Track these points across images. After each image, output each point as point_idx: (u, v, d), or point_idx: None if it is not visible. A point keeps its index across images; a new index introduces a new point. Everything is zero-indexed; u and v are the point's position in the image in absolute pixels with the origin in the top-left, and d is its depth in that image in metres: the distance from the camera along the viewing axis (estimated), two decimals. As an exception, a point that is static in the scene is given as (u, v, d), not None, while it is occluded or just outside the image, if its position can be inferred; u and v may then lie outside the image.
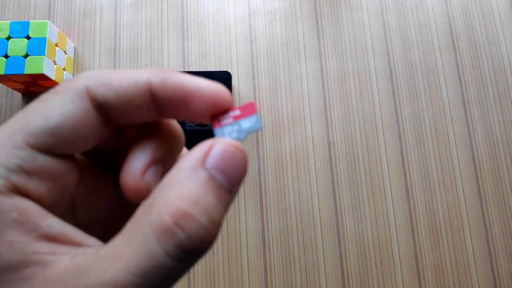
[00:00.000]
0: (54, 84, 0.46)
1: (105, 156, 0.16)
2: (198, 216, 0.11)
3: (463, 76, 0.51)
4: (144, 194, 0.13)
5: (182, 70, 0.51)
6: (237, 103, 0.49)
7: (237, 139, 0.14)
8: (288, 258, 0.45)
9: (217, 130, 0.14)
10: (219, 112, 0.14)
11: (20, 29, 0.44)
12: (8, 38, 0.44)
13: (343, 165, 0.48)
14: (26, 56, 0.43)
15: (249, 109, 0.14)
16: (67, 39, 0.50)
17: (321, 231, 0.46)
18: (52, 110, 0.12)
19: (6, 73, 0.43)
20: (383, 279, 0.45)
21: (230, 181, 0.12)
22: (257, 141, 0.49)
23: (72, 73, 0.50)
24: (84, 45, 0.51)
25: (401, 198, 0.47)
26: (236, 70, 0.51)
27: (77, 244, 0.12)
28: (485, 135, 0.49)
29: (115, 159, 0.16)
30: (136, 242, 0.11)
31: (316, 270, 0.45)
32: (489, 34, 0.53)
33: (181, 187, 0.12)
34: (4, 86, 0.49)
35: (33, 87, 0.47)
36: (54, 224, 0.12)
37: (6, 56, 0.43)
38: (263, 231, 0.46)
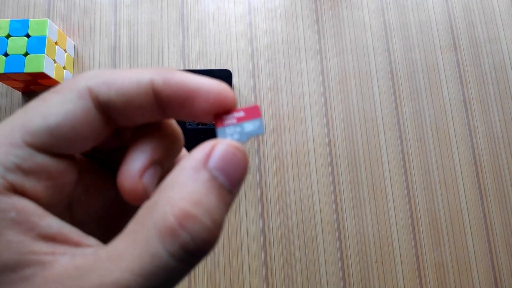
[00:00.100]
0: (54, 83, 0.46)
1: (103, 155, 0.16)
2: (201, 217, 0.11)
3: (464, 74, 0.51)
4: (141, 196, 0.13)
5: (182, 68, 0.50)
6: (237, 102, 0.49)
7: (239, 141, 0.14)
8: (289, 257, 0.45)
9: (219, 129, 0.14)
10: (222, 111, 0.14)
11: (20, 27, 0.44)
12: (8, 36, 0.44)
13: (343, 164, 0.48)
14: (26, 54, 0.43)
15: (254, 113, 0.14)
16: (67, 37, 0.49)
17: (322, 230, 0.46)
18: (52, 109, 0.12)
19: (6, 71, 0.42)
20: (384, 277, 0.45)
21: (231, 182, 0.12)
22: (258, 140, 0.49)
23: (72, 72, 0.50)
24: (84, 43, 0.51)
25: (402, 197, 0.47)
26: (237, 68, 0.51)
27: (76, 244, 0.12)
28: (486, 133, 0.49)
29: (112, 158, 0.16)
30: (140, 242, 0.11)
31: (317, 269, 0.45)
32: (490, 32, 0.53)
33: (184, 188, 0.12)
34: (4, 84, 0.49)
35: (33, 85, 0.47)
36: (53, 223, 0.11)
37: (6, 55, 0.43)
38: (263, 230, 0.46)
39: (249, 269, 0.45)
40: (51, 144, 0.12)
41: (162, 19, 0.52)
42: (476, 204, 0.47)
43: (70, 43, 0.50)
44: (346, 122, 0.49)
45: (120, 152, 0.16)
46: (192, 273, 0.45)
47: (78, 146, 0.13)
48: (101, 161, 0.16)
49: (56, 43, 0.46)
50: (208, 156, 0.12)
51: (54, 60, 0.45)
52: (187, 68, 0.50)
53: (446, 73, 0.51)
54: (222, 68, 0.51)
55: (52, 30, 0.45)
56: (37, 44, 0.44)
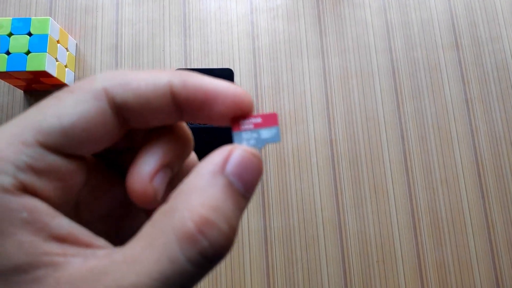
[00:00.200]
0: (56, 81, 0.46)
1: (111, 155, 0.16)
2: (219, 223, 0.11)
3: (466, 73, 0.51)
4: (151, 199, 0.13)
5: (184, 67, 0.50)
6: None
7: (254, 147, 0.14)
8: (290, 256, 0.45)
9: (236, 134, 0.14)
10: (239, 115, 0.14)
11: (22, 26, 0.44)
12: (10, 34, 0.44)
13: (345, 163, 0.48)
14: (27, 53, 0.43)
15: (271, 120, 0.14)
16: (69, 36, 0.49)
17: (323, 229, 0.46)
18: (66, 109, 0.12)
19: (8, 70, 0.42)
20: (385, 277, 0.45)
21: (246, 187, 0.12)
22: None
23: (73, 70, 0.50)
24: (85, 42, 0.51)
25: (403, 196, 0.47)
26: (238, 67, 0.51)
27: (86, 245, 0.11)
28: (488, 133, 0.49)
29: (120, 158, 0.16)
30: (158, 247, 0.11)
31: (319, 269, 0.45)
32: (492, 31, 0.52)
33: (203, 193, 0.12)
34: (6, 83, 0.49)
35: (35, 84, 0.47)
36: (63, 224, 0.11)
37: (8, 53, 0.43)
38: (265, 230, 0.46)
39: (250, 268, 0.45)
40: (64, 145, 0.12)
41: (164, 17, 0.52)
42: (478, 203, 0.47)
43: (72, 41, 0.50)
44: (347, 121, 0.49)
45: (127, 152, 0.16)
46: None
47: (90, 147, 0.13)
48: (108, 160, 0.16)
49: (58, 41, 0.46)
50: (225, 161, 0.12)
51: (56, 58, 0.45)
52: (188, 67, 0.50)
53: (448, 72, 0.51)
54: (224, 67, 0.51)
55: (54, 29, 0.45)
56: (39, 43, 0.44)
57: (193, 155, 0.17)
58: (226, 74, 0.48)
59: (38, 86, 0.48)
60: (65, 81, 0.48)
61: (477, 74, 0.51)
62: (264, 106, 0.49)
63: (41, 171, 0.11)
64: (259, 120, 0.14)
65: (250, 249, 0.45)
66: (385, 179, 0.48)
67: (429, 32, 0.52)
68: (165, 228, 0.11)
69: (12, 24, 0.44)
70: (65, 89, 0.12)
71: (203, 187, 0.12)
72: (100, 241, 0.12)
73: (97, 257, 0.11)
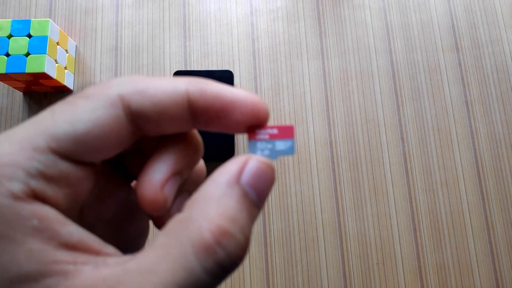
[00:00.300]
0: (56, 83, 0.46)
1: (117, 158, 0.16)
2: (236, 234, 0.11)
3: (465, 75, 0.51)
4: (161, 206, 0.13)
5: (184, 69, 0.50)
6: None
7: (268, 158, 0.14)
8: (290, 258, 0.45)
9: (251, 143, 0.14)
10: (255, 124, 0.14)
11: (21, 28, 0.44)
12: (9, 36, 0.44)
13: (345, 164, 0.48)
14: (27, 54, 0.43)
15: (287, 132, 0.14)
16: (69, 37, 0.49)
17: (323, 231, 0.46)
18: (80, 115, 0.12)
19: (7, 71, 0.42)
20: (385, 279, 0.45)
21: (259, 198, 0.13)
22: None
23: (73, 72, 0.50)
24: (85, 43, 0.51)
25: (403, 198, 0.47)
26: (238, 69, 0.51)
27: (96, 252, 0.11)
28: (488, 135, 0.49)
29: (125, 160, 0.16)
30: (174, 257, 0.11)
31: (318, 271, 0.45)
32: (492, 33, 0.52)
33: (219, 204, 0.12)
34: (5, 85, 0.49)
35: (34, 86, 0.47)
36: (74, 231, 0.11)
37: (7, 55, 0.43)
38: (264, 232, 0.46)
39: (250, 271, 0.45)
40: (76, 152, 0.12)
41: (163, 19, 0.52)
42: (478, 205, 0.47)
43: (71, 43, 0.50)
44: (347, 123, 0.49)
45: (132, 154, 0.15)
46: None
47: (102, 154, 0.12)
48: (113, 163, 0.16)
49: (57, 43, 0.46)
50: (241, 171, 0.12)
51: (55, 60, 0.45)
52: (188, 69, 0.50)
53: (448, 74, 0.51)
54: (224, 69, 0.51)
55: (53, 30, 0.45)
56: (39, 44, 0.44)
57: (202, 163, 0.17)
58: (226, 76, 0.48)
59: (38, 88, 0.48)
60: (65, 83, 0.47)
61: (477, 76, 0.51)
62: (264, 108, 0.49)
63: (52, 178, 0.11)
64: (275, 131, 0.14)
65: (250, 251, 0.45)
66: (385, 181, 0.48)
67: (429, 34, 0.52)
68: (181, 238, 0.11)
69: (11, 25, 0.44)
70: (79, 94, 0.12)
71: (219, 197, 0.12)
72: (109, 248, 0.12)
73: (108, 265, 0.11)
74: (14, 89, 0.49)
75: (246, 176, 0.12)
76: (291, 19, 0.52)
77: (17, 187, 0.10)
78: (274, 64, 0.51)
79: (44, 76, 0.44)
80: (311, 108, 0.50)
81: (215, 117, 0.13)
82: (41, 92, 0.49)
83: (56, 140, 0.11)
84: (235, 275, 0.44)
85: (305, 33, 0.52)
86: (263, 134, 0.14)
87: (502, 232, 0.46)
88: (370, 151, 0.49)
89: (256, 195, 0.12)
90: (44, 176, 0.11)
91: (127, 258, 0.11)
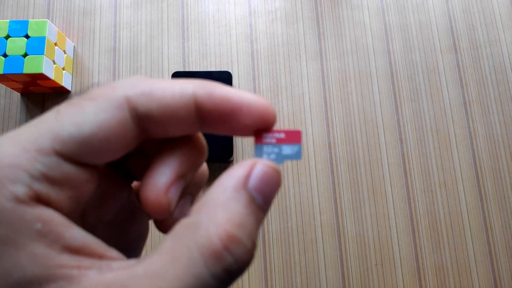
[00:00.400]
0: (53, 84, 0.46)
1: (118, 159, 0.16)
2: (244, 239, 0.11)
3: (464, 76, 0.51)
4: (165, 210, 0.13)
5: (182, 70, 0.50)
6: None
7: (274, 162, 0.14)
8: (288, 260, 0.45)
9: (257, 146, 0.14)
10: (262, 128, 0.14)
11: (19, 28, 0.44)
12: (7, 37, 0.43)
13: (343, 166, 0.48)
14: (25, 55, 0.43)
15: (294, 137, 0.14)
16: (67, 38, 0.49)
17: (322, 232, 0.46)
18: (86, 117, 0.11)
19: (5, 72, 0.42)
20: (384, 280, 0.45)
21: (265, 202, 0.13)
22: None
23: (71, 73, 0.50)
24: (83, 44, 0.51)
25: (401, 199, 0.47)
26: (237, 70, 0.51)
27: (100, 256, 0.11)
28: (486, 136, 0.49)
29: (125, 162, 0.16)
30: (181, 263, 0.11)
31: (317, 272, 0.45)
32: (490, 34, 0.53)
33: (227, 209, 0.12)
34: (3, 85, 0.49)
35: (32, 86, 0.47)
36: (77, 235, 0.11)
37: (5, 56, 0.43)
38: (263, 233, 0.46)
39: (248, 272, 0.45)
40: (80, 154, 0.11)
41: (162, 20, 0.52)
42: (476, 206, 0.47)
43: (69, 44, 0.50)
44: (346, 124, 0.49)
45: (134, 155, 0.15)
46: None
47: (107, 157, 0.12)
48: (115, 164, 0.16)
49: (55, 44, 0.46)
50: (248, 175, 0.12)
51: (53, 61, 0.45)
52: (187, 70, 0.50)
53: (446, 75, 0.51)
54: (222, 70, 0.51)
55: (51, 31, 0.45)
56: (37, 45, 0.43)
57: (205, 166, 0.17)
58: (225, 76, 0.48)
59: (36, 89, 0.48)
60: (63, 84, 0.47)
61: (475, 77, 0.51)
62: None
63: (56, 180, 0.11)
64: (282, 135, 0.14)
65: (249, 253, 0.45)
66: (384, 182, 0.48)
67: (427, 35, 0.52)
68: (189, 243, 0.11)
69: (9, 26, 0.44)
70: (84, 96, 0.12)
71: (226, 201, 0.12)
72: (113, 252, 0.12)
73: (112, 269, 0.11)
74: (12, 90, 0.48)
75: (253, 180, 0.12)
76: (290, 20, 0.52)
77: (20, 190, 0.10)
78: (273, 65, 0.51)
79: (42, 77, 0.44)
80: (309, 109, 0.50)
81: (222, 120, 0.13)
82: (39, 93, 0.49)
83: (61, 142, 0.11)
84: (234, 276, 0.44)
85: (304, 34, 0.52)
86: (269, 138, 0.14)
87: (500, 233, 0.46)
88: (368, 152, 0.49)
89: (263, 200, 0.12)
90: (48, 179, 0.11)
91: (132, 262, 0.11)
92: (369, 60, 0.51)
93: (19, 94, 0.49)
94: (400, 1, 0.54)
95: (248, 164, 0.13)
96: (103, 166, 0.15)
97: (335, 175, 0.48)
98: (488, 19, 0.53)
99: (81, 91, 0.50)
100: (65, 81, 0.48)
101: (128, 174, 0.16)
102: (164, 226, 0.15)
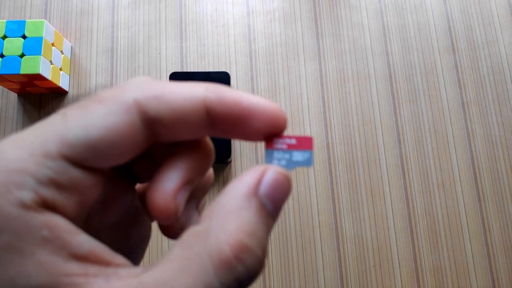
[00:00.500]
0: (51, 85, 0.46)
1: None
2: (255, 248, 0.11)
3: (462, 77, 0.51)
4: (173, 216, 0.13)
5: (180, 70, 0.50)
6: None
7: (285, 168, 0.14)
8: (286, 260, 0.45)
9: (267, 152, 0.14)
10: (273, 133, 0.13)
11: (16, 28, 0.43)
12: (4, 37, 0.43)
13: (341, 166, 0.48)
14: (22, 55, 0.43)
15: (306, 143, 0.14)
16: (64, 38, 0.49)
17: (320, 233, 0.46)
18: (94, 120, 0.11)
19: (2, 73, 0.42)
20: (382, 281, 0.45)
21: (275, 209, 0.12)
22: (256, 143, 0.49)
23: (68, 73, 0.50)
24: (81, 44, 0.51)
25: (400, 200, 0.47)
26: (235, 70, 0.51)
27: (106, 263, 0.11)
28: (484, 137, 0.49)
29: (130, 165, 0.16)
30: (192, 271, 0.10)
31: (315, 273, 0.45)
32: (488, 35, 0.53)
33: (238, 216, 0.11)
34: (0, 86, 0.49)
35: (29, 87, 0.47)
36: (84, 241, 0.11)
37: (2, 56, 0.43)
38: (261, 233, 0.46)
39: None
40: (88, 159, 0.11)
41: (160, 20, 0.52)
42: (474, 207, 0.47)
43: (67, 44, 0.49)
44: (344, 124, 0.49)
45: (139, 159, 0.15)
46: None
47: (114, 161, 0.12)
48: (119, 168, 0.15)
49: (52, 44, 0.46)
50: (258, 182, 0.12)
51: (50, 61, 0.45)
52: (185, 70, 0.50)
53: (444, 75, 0.51)
54: (220, 70, 0.50)
55: (48, 31, 0.45)
56: (34, 45, 0.43)
57: (211, 170, 0.17)
58: (223, 77, 0.48)
59: (33, 89, 0.48)
60: (60, 84, 0.47)
61: (473, 77, 0.51)
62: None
63: (62, 185, 0.11)
64: (293, 141, 0.14)
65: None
66: (382, 183, 0.48)
67: (426, 36, 0.52)
68: (200, 252, 0.11)
69: (6, 26, 0.43)
70: (93, 98, 0.12)
71: (237, 209, 0.12)
72: (119, 259, 0.11)
73: (119, 277, 0.11)
74: (9, 90, 0.48)
75: (263, 187, 0.12)
76: (288, 20, 0.52)
77: (26, 195, 0.10)
78: (271, 65, 0.51)
79: (39, 77, 0.43)
80: (307, 110, 0.50)
81: (232, 125, 0.13)
82: (36, 94, 0.49)
83: (68, 146, 0.11)
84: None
85: (302, 34, 0.52)
86: (280, 144, 0.14)
87: (498, 234, 0.46)
88: (366, 152, 0.49)
89: (273, 207, 0.12)
90: (55, 184, 0.11)
91: (139, 270, 0.11)
92: (367, 60, 0.51)
93: (16, 94, 0.49)
94: (398, 2, 0.54)
95: (258, 171, 0.12)
96: (108, 169, 0.15)
97: (333, 175, 0.48)
98: (486, 20, 0.53)
99: (78, 92, 0.49)
100: (63, 82, 0.48)
101: (132, 176, 0.16)
102: (170, 231, 0.15)
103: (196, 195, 0.16)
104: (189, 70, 0.50)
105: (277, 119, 0.13)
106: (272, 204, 0.12)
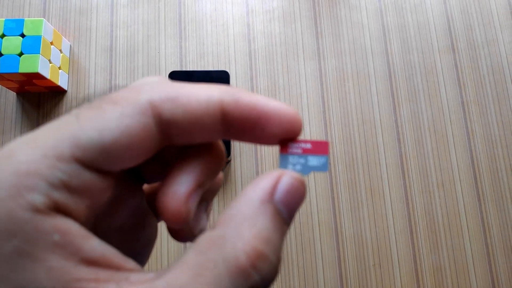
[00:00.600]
0: (49, 83, 0.46)
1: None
2: (270, 256, 0.11)
3: (461, 76, 0.51)
4: (184, 219, 0.13)
5: (180, 69, 0.50)
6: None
7: (300, 173, 0.13)
8: (286, 260, 0.45)
9: (282, 156, 0.13)
10: (288, 137, 0.13)
11: (15, 27, 0.43)
12: (2, 36, 0.43)
13: (341, 166, 0.48)
14: (20, 54, 0.43)
15: (321, 148, 0.14)
16: (63, 37, 0.49)
17: (320, 233, 0.46)
18: (108, 123, 0.11)
19: (0, 71, 0.42)
20: (382, 281, 0.45)
21: (290, 215, 0.12)
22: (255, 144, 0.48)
23: (67, 72, 0.49)
24: (80, 43, 0.50)
25: (399, 199, 0.47)
26: (234, 69, 0.50)
27: (117, 268, 0.11)
28: (484, 136, 0.49)
29: (139, 167, 0.15)
30: (207, 279, 0.10)
31: (315, 273, 0.45)
32: (488, 34, 0.53)
33: (254, 223, 0.11)
34: (-2, 85, 0.48)
35: (28, 86, 0.46)
36: (96, 246, 0.11)
37: (0, 55, 0.42)
38: (261, 233, 0.46)
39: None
40: (101, 162, 0.11)
41: (159, 20, 0.52)
42: (474, 207, 0.47)
43: (65, 43, 0.49)
44: (344, 124, 0.49)
45: (149, 161, 0.15)
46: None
47: (127, 163, 0.12)
48: (128, 169, 0.15)
49: (51, 43, 0.46)
50: (274, 188, 0.12)
51: (49, 60, 0.45)
52: (184, 69, 0.50)
53: (444, 75, 0.51)
54: (220, 69, 0.50)
55: (47, 30, 0.45)
56: (32, 44, 0.43)
57: (221, 174, 0.17)
58: (222, 76, 0.48)
59: (31, 88, 0.47)
60: (59, 83, 0.47)
61: (473, 77, 0.51)
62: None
63: (75, 189, 0.11)
64: (308, 146, 0.14)
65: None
66: (382, 182, 0.48)
67: (425, 35, 0.52)
68: (215, 259, 0.11)
69: (4, 25, 0.43)
70: (106, 99, 0.12)
71: (253, 215, 0.11)
72: (131, 263, 0.11)
73: (131, 282, 0.10)
74: (7, 89, 0.48)
75: (279, 193, 0.12)
76: (288, 19, 0.52)
77: (38, 199, 0.10)
78: (271, 65, 0.51)
79: (38, 76, 0.43)
80: (307, 109, 0.49)
81: (248, 128, 0.13)
82: (35, 92, 0.49)
83: (81, 149, 0.11)
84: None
85: (302, 33, 0.52)
86: (295, 148, 0.14)
87: (498, 233, 0.46)
88: (366, 152, 0.48)
89: (287, 213, 0.12)
90: (67, 187, 0.10)
91: (150, 275, 0.11)
92: (367, 60, 0.51)
93: (15, 93, 0.49)
94: (398, 1, 0.53)
95: (274, 176, 0.12)
96: (119, 171, 0.14)
97: (333, 175, 0.48)
98: (485, 19, 0.53)
99: (77, 91, 0.49)
100: (61, 81, 0.48)
101: (139, 178, 0.16)
102: (178, 234, 0.15)
103: (206, 198, 0.16)
104: (188, 70, 0.50)
105: (293, 124, 0.13)
106: (287, 210, 0.12)
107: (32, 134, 0.11)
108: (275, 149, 0.48)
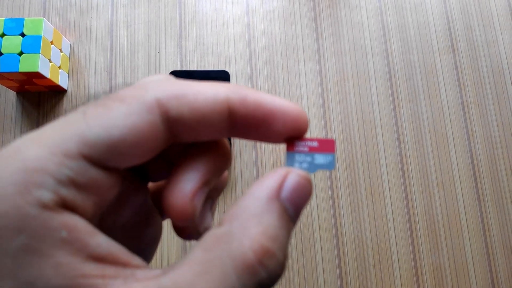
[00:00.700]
0: (49, 83, 0.46)
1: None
2: (277, 253, 0.11)
3: (461, 77, 0.51)
4: (191, 217, 0.13)
5: (180, 69, 0.50)
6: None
7: (306, 171, 0.13)
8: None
9: (288, 154, 0.14)
10: (295, 135, 0.13)
11: (15, 26, 0.43)
12: (2, 35, 0.43)
13: (341, 166, 0.48)
14: (20, 53, 0.43)
15: (328, 146, 0.14)
16: (63, 36, 0.49)
17: (320, 233, 0.46)
18: (115, 120, 0.11)
19: (0, 71, 0.42)
20: (382, 281, 0.45)
21: (296, 213, 0.12)
22: (255, 143, 0.48)
23: (67, 71, 0.49)
24: (80, 43, 0.50)
25: (399, 200, 0.47)
26: (234, 69, 0.50)
27: (124, 264, 0.11)
28: (484, 136, 0.49)
29: (144, 164, 0.15)
30: (214, 276, 0.10)
31: (315, 273, 0.45)
32: (488, 35, 0.53)
33: (260, 221, 0.11)
34: (-2, 84, 0.48)
35: (28, 85, 0.46)
36: (102, 242, 0.11)
37: (0, 54, 0.42)
38: (261, 233, 0.46)
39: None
40: (108, 159, 0.11)
41: (159, 19, 0.52)
42: (474, 206, 0.47)
43: (66, 42, 0.49)
44: (344, 124, 0.49)
45: (154, 159, 0.15)
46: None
47: (133, 161, 0.12)
48: (133, 167, 0.15)
49: (51, 42, 0.46)
50: (280, 186, 0.12)
51: (49, 59, 0.45)
52: (184, 69, 0.50)
53: (444, 75, 0.51)
54: (220, 69, 0.50)
55: (47, 29, 0.45)
56: (32, 44, 0.43)
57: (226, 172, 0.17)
58: (222, 76, 0.48)
59: (31, 88, 0.47)
60: (59, 83, 0.47)
61: (473, 77, 0.51)
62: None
63: (82, 185, 0.11)
64: (315, 144, 0.14)
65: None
66: (382, 182, 0.48)
67: (425, 36, 0.52)
68: (222, 255, 0.11)
69: (4, 24, 0.43)
70: (113, 96, 0.12)
71: (259, 213, 0.12)
72: (137, 260, 0.11)
73: (138, 279, 0.10)
74: (7, 88, 0.48)
75: (286, 191, 0.12)
76: (288, 19, 0.52)
77: (46, 195, 0.10)
78: (271, 65, 0.51)
79: (38, 75, 0.43)
80: (307, 109, 0.49)
81: (254, 126, 0.13)
82: (35, 92, 0.49)
83: (89, 146, 0.11)
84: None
85: (302, 34, 0.52)
86: (302, 146, 0.14)
87: (498, 233, 0.46)
88: (366, 152, 0.48)
89: (294, 211, 0.12)
90: (74, 184, 0.10)
91: (157, 272, 0.11)
92: (367, 60, 0.51)
93: (15, 93, 0.49)
94: (398, 1, 0.54)
95: (281, 174, 0.12)
96: (125, 168, 0.14)
97: (333, 175, 0.48)
98: (486, 20, 0.53)
99: (77, 90, 0.49)
100: (61, 80, 0.48)
101: (144, 175, 0.16)
102: (184, 232, 0.15)
103: (211, 196, 0.16)
104: (188, 69, 0.50)
105: (299, 122, 0.13)
106: (293, 208, 0.12)
107: (39, 131, 0.11)
108: (275, 148, 0.48)
